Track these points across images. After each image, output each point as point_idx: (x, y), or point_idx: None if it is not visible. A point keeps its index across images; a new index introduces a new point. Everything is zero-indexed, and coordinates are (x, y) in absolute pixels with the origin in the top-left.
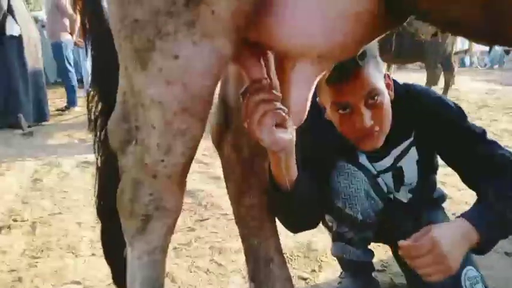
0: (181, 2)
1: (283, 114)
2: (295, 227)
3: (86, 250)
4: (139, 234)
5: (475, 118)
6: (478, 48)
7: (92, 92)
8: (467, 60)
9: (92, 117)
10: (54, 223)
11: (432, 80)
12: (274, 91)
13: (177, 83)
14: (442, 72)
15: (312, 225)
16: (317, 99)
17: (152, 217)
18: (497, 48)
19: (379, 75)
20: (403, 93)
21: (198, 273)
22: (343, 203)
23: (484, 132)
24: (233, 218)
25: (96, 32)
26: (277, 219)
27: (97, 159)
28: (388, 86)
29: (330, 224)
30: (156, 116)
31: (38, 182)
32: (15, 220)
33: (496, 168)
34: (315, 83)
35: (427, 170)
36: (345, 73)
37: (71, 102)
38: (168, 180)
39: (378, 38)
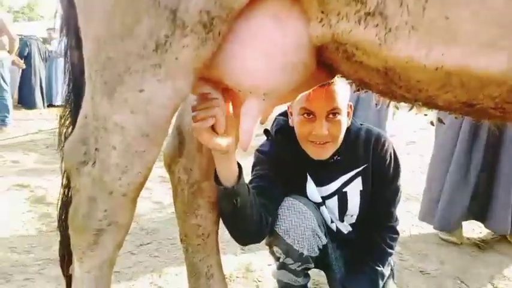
0: (151, 47)
1: (217, 120)
2: (243, 238)
3: (19, 275)
4: (89, 250)
5: None
6: None
7: (63, 115)
8: None
9: (63, 138)
10: None
11: None
12: (218, 102)
13: (140, 112)
14: None
15: (258, 236)
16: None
17: (105, 231)
18: None
19: (345, 100)
20: (363, 130)
21: None
22: (292, 240)
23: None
24: (174, 243)
25: (77, 61)
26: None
27: (63, 176)
28: (348, 114)
29: (277, 254)
30: (118, 139)
31: None
32: None
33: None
34: (260, 116)
35: (368, 205)
36: None
37: (3, 121)
38: (122, 197)
39: (316, 85)
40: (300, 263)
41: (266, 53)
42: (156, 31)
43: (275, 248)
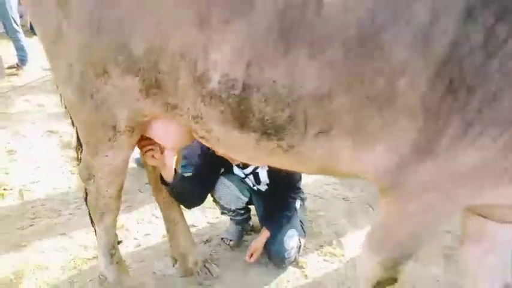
0: (107, 139)
1: (155, 153)
2: (185, 205)
3: (65, 211)
4: (100, 221)
5: None
6: None
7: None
8: None
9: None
10: (36, 190)
11: None
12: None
13: (110, 165)
14: None
15: (197, 205)
16: None
17: (105, 213)
18: None
19: None
20: None
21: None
22: (224, 203)
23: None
24: None
25: None
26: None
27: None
28: None
29: (218, 207)
30: (102, 179)
31: (12, 153)
32: (5, 189)
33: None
34: (175, 158)
35: (274, 177)
36: None
37: (22, 62)
38: (111, 198)
39: None
40: (232, 212)
41: (165, 138)
42: (107, 135)
43: (217, 205)
